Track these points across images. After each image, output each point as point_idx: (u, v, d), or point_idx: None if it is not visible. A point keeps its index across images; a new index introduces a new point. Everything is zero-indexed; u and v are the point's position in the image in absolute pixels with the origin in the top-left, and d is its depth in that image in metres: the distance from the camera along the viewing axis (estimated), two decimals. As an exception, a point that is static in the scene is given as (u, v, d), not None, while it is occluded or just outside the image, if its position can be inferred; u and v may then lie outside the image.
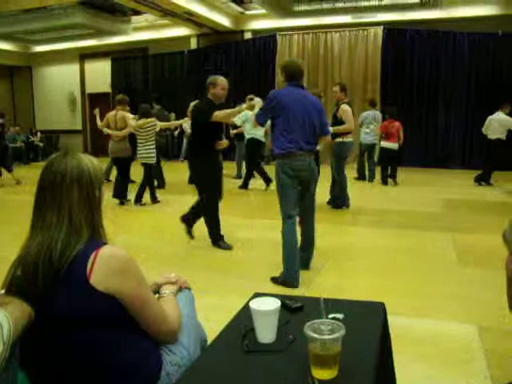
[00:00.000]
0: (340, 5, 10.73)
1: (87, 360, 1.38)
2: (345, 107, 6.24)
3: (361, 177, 9.29)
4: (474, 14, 11.06)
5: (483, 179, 8.71)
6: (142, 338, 1.47)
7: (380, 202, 7.22)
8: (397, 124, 8.54)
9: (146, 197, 7.14)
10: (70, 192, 1.39)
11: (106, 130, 7.25)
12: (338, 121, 6.27)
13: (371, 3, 10.63)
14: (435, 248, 4.75)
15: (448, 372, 2.50)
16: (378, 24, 11.70)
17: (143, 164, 7.05)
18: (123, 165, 7.11)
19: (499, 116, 8.60)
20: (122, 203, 7.06)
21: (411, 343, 2.71)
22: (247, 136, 8.40)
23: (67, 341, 1.36)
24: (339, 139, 6.25)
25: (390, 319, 1.83)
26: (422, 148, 11.50)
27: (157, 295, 1.71)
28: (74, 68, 15.61)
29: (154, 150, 7.04)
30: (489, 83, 10.79)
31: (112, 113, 7.19)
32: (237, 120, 8.33)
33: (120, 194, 7.07)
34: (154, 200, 7.22)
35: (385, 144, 8.59)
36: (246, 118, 8.18)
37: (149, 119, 6.95)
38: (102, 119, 7.49)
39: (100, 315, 1.36)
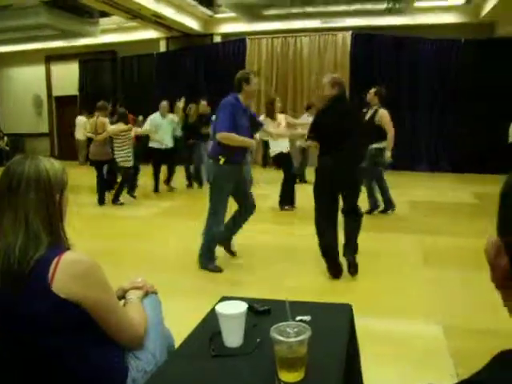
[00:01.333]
0: (309, 9, 10.84)
1: (51, 367, 1.35)
2: (382, 112, 6.04)
3: None
4: (438, 22, 11.39)
5: None
6: (108, 344, 1.44)
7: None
8: None
9: (126, 196, 7.58)
10: (26, 195, 1.35)
11: (88, 135, 7.76)
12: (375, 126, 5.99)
13: (340, 9, 10.78)
14: (402, 249, 4.83)
15: (415, 372, 2.54)
16: (346, 29, 11.87)
17: (120, 167, 7.35)
18: (102, 167, 7.38)
19: None
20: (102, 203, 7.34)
21: (378, 344, 2.74)
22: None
23: (30, 348, 1.33)
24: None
25: (357, 320, 1.84)
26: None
27: (123, 300, 1.68)
28: (40, 70, 15.25)
29: (131, 154, 7.36)
30: (453, 89, 11.08)
31: (92, 119, 7.60)
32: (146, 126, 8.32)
33: (100, 197, 7.34)
34: (115, 201, 7.38)
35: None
36: (156, 124, 8.17)
37: (128, 126, 7.30)
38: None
39: (63, 322, 1.33)
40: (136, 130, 7.85)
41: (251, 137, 4.18)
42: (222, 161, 3.89)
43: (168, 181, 8.69)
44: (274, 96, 7.47)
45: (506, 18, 10.41)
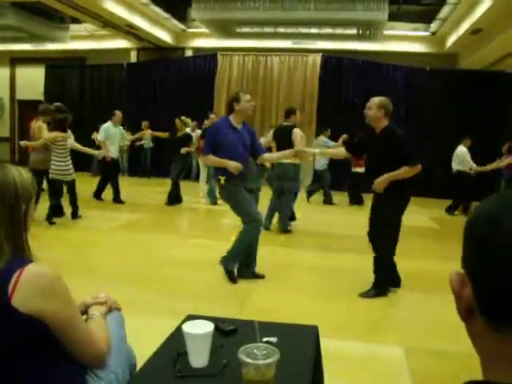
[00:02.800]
0: (281, 30, 11.01)
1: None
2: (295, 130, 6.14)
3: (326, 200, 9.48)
4: (405, 50, 11.81)
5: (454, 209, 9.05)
6: (67, 363, 1.39)
7: (324, 225, 7.31)
8: None
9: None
10: None
11: (23, 143, 6.79)
12: None
13: (311, 31, 11.00)
14: (363, 271, 4.87)
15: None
16: (317, 51, 12.12)
17: (59, 181, 6.50)
18: (44, 177, 6.56)
19: (459, 149, 8.97)
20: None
21: (341, 365, 2.75)
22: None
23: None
24: None
25: (323, 342, 1.85)
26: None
27: (84, 316, 1.63)
28: (4, 72, 14.87)
29: (71, 166, 6.55)
30: (417, 115, 11.42)
31: (32, 123, 6.87)
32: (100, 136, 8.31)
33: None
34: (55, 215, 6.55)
35: (358, 170, 8.91)
36: (109, 133, 8.18)
37: (61, 134, 6.41)
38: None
39: (22, 339, 1.27)
40: (73, 144, 6.88)
41: (246, 155, 4.20)
42: (222, 180, 4.10)
43: (100, 193, 8.55)
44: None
45: (468, 51, 10.90)
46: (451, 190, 9.15)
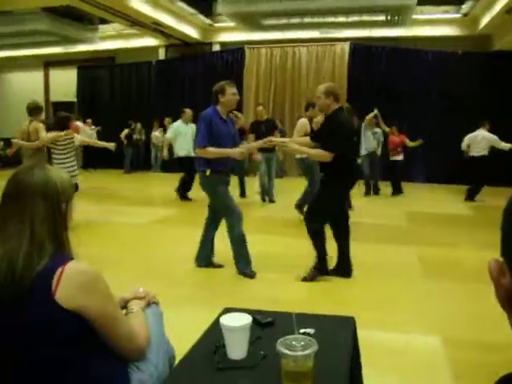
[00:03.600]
0: (308, 20, 10.91)
1: (52, 379, 1.32)
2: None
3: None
4: (436, 34, 11.50)
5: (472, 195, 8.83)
6: (109, 356, 1.43)
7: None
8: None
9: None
10: (33, 204, 1.35)
11: (16, 142, 6.24)
12: None
13: (338, 20, 10.86)
14: (400, 261, 4.82)
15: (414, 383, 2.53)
16: (344, 40, 11.96)
17: None
18: None
19: (483, 133, 8.75)
20: None
21: (379, 356, 2.73)
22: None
23: (30, 360, 1.31)
24: None
25: (359, 332, 1.84)
26: (385, 161, 11.75)
27: (124, 311, 1.67)
28: (39, 75, 15.27)
29: (76, 168, 6.16)
30: (450, 100, 11.14)
31: (24, 124, 6.19)
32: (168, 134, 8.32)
33: None
34: None
35: (396, 158, 9.04)
36: (178, 132, 8.14)
37: (63, 132, 5.97)
38: None
39: (65, 333, 1.31)
40: (83, 140, 6.80)
41: (235, 145, 4.20)
42: (208, 172, 4.06)
43: (186, 191, 8.33)
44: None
45: (502, 32, 10.52)
46: (474, 176, 8.88)
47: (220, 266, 4.48)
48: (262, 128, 7.43)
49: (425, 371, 2.66)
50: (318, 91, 4.01)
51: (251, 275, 4.21)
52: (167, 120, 12.64)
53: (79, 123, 9.67)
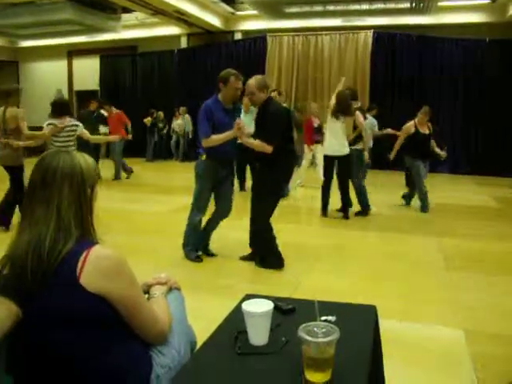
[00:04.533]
0: (330, 8, 10.75)
1: (76, 361, 1.35)
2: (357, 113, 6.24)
3: None
4: (462, 21, 11.22)
5: None
6: (132, 340, 1.45)
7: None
8: None
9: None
10: (60, 188, 1.37)
11: (4, 141, 5.22)
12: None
13: (361, 7, 10.68)
14: (422, 252, 4.78)
15: (436, 376, 2.51)
16: (367, 28, 11.77)
17: None
18: (14, 176, 5.32)
19: None
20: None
21: (400, 347, 2.72)
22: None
23: (56, 342, 1.33)
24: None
25: (381, 322, 1.83)
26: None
27: (146, 296, 1.69)
28: (62, 64, 15.44)
29: None
30: (476, 89, 10.91)
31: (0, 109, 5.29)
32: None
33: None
34: None
35: None
36: None
37: (61, 122, 5.43)
38: None
39: (89, 316, 1.33)
40: (82, 132, 5.69)
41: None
42: (203, 156, 4.15)
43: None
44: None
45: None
46: None
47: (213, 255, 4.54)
48: None
49: (446, 363, 2.63)
50: (250, 87, 3.95)
51: (193, 259, 4.34)
52: (182, 109, 12.69)
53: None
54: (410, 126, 6.58)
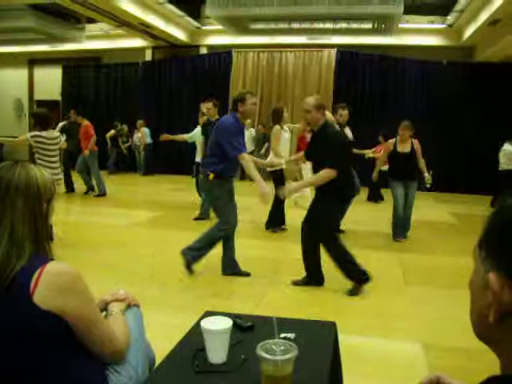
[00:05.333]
0: (296, 26, 10.95)
1: (30, 380, 1.30)
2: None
3: None
4: (422, 43, 11.67)
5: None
6: (88, 359, 1.41)
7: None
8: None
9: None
10: (14, 202, 1.33)
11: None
12: None
13: (326, 26, 10.92)
14: (383, 267, 4.85)
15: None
16: (331, 46, 12.04)
17: None
18: None
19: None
20: None
21: (360, 362, 2.74)
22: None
23: (6, 361, 1.28)
24: None
25: (340, 338, 1.84)
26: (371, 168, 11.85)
27: (104, 313, 1.65)
28: (23, 73, 15.08)
29: (58, 172, 5.41)
30: (435, 109, 11.29)
31: None
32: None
33: None
34: None
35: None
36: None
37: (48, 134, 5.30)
38: None
39: (42, 335, 1.29)
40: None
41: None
42: (211, 176, 4.06)
43: None
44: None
45: (485, 44, 10.71)
46: (496, 188, 8.82)
47: (247, 275, 4.39)
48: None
49: (405, 377, 2.67)
50: (307, 104, 3.89)
51: (190, 269, 4.23)
52: (139, 122, 12.51)
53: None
54: (390, 144, 6.33)
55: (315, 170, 3.97)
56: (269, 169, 6.19)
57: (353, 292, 3.96)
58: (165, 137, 7.66)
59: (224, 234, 4.21)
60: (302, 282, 4.13)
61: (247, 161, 4.00)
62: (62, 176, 5.47)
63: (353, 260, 3.95)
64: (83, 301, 1.36)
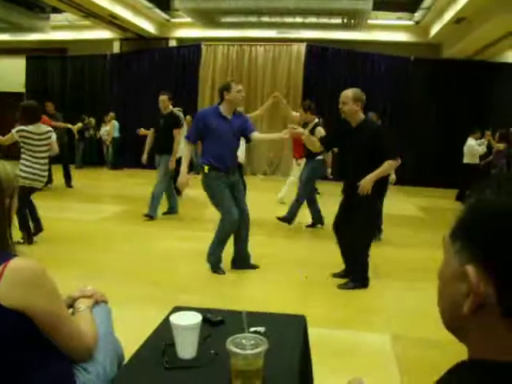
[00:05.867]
0: (265, 19, 10.95)
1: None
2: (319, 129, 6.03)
3: None
4: (390, 39, 11.84)
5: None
6: (54, 358, 1.38)
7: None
8: None
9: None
10: None
11: None
12: None
13: (296, 20, 10.96)
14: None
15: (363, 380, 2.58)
16: (301, 40, 12.09)
17: (29, 188, 4.86)
18: None
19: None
20: None
21: (330, 354, 2.77)
22: None
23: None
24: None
25: (310, 331, 1.86)
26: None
27: (71, 310, 1.61)
28: (-16, 63, 14.59)
29: (45, 168, 5.02)
30: (403, 103, 11.49)
31: None
32: None
33: None
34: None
35: None
36: None
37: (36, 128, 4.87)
38: None
39: (6, 334, 1.25)
40: None
41: (235, 143, 4.27)
42: (206, 169, 4.13)
43: None
44: None
45: (451, 41, 10.95)
46: (458, 181, 9.04)
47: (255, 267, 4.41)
48: None
49: (374, 368, 2.72)
50: (345, 96, 3.90)
51: (217, 271, 4.23)
52: (110, 115, 12.32)
53: None
54: None
55: (357, 164, 3.87)
56: None
57: (346, 286, 4.02)
58: (143, 132, 7.54)
59: (232, 227, 4.17)
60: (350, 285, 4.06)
61: (186, 149, 4.34)
62: (46, 174, 5.05)
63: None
64: (48, 297, 1.33)
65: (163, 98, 6.48)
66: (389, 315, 3.53)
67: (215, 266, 4.25)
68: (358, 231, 3.94)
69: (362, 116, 3.92)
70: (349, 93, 3.91)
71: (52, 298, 1.33)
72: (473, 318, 0.58)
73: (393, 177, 6.14)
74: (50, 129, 5.16)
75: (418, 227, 6.81)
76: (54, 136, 5.11)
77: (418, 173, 11.12)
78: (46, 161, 5.02)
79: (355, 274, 4.05)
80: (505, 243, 0.54)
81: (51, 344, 1.35)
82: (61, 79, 13.74)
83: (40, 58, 13.83)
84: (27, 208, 4.99)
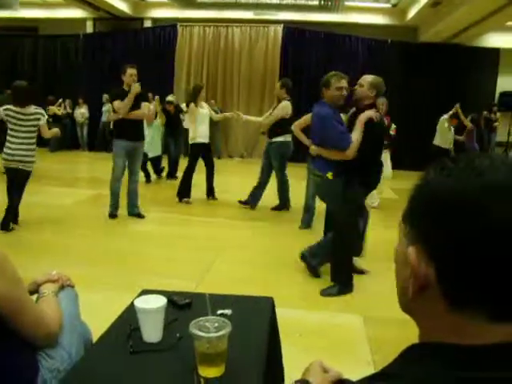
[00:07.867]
0: (242, 0, 10.81)
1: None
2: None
3: None
4: (367, 22, 11.82)
5: None
6: (16, 343, 1.35)
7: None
8: None
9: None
10: None
11: None
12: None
13: (272, 1, 10.85)
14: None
15: (334, 361, 2.56)
16: (278, 22, 11.97)
17: (16, 170, 4.72)
18: None
19: None
20: None
21: (300, 335, 2.80)
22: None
23: None
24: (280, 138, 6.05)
25: (279, 312, 1.86)
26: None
27: (36, 295, 1.58)
28: None
29: (30, 153, 4.79)
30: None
31: None
32: None
33: None
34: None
35: None
36: None
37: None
38: None
39: None
40: None
41: None
42: (330, 175, 3.62)
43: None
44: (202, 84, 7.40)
45: (427, 24, 10.99)
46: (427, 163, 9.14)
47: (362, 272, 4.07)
48: None
49: (344, 348, 2.76)
50: (364, 79, 3.82)
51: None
52: (105, 96, 11.97)
53: None
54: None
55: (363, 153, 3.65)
56: (190, 142, 6.37)
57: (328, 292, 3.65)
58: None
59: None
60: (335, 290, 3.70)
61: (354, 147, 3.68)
62: (32, 157, 4.78)
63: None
64: (10, 283, 1.30)
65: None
66: (359, 296, 3.57)
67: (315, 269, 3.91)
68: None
69: (371, 96, 3.80)
70: (369, 78, 3.87)
71: (12, 283, 1.31)
72: (417, 299, 0.58)
73: (389, 170, 6.18)
74: (41, 111, 4.92)
75: (389, 209, 6.87)
76: (43, 119, 4.87)
77: (395, 155, 11.20)
78: (32, 141, 4.75)
79: (339, 278, 3.71)
80: (439, 225, 0.54)
81: (12, 331, 1.33)
82: (31, 59, 13.34)
83: (8, 36, 13.36)
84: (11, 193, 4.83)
